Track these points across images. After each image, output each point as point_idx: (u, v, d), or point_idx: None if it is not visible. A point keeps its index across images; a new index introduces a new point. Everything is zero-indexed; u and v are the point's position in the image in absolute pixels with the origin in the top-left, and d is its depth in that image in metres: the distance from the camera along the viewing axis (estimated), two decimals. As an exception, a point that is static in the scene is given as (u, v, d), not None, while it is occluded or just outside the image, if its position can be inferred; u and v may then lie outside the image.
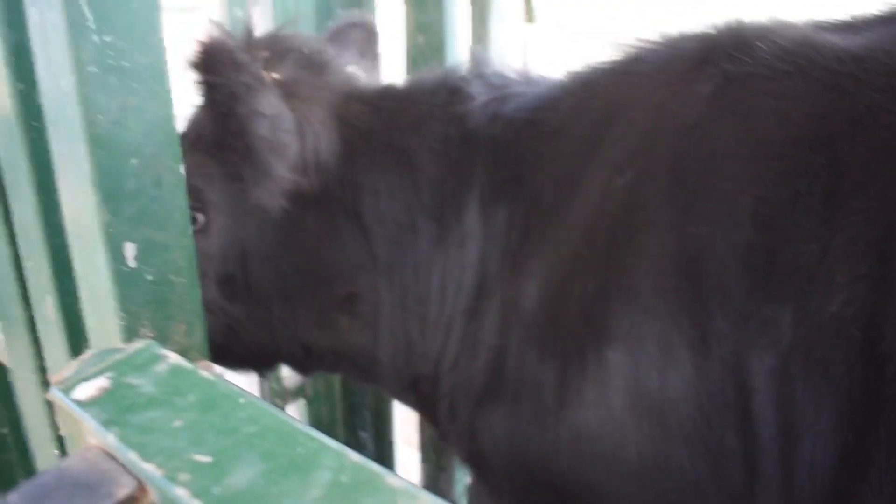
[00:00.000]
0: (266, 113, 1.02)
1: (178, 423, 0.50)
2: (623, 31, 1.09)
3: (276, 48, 1.14)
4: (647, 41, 1.02)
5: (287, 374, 2.34)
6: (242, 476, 0.44)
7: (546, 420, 0.96)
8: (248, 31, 1.14)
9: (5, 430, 1.30)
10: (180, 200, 0.71)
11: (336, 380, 2.30)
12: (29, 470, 1.29)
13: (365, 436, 2.45)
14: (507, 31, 1.80)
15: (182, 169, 0.71)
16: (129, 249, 0.69)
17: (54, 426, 0.98)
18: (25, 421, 1.05)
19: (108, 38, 0.62)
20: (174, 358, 0.59)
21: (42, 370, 0.93)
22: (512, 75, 1.18)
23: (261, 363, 1.33)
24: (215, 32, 1.00)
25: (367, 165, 1.13)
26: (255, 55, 1.10)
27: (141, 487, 0.47)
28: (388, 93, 1.23)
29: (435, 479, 2.23)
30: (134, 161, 0.67)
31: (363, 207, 1.14)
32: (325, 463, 0.45)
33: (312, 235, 1.15)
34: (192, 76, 1.01)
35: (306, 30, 1.81)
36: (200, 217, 1.13)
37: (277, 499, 0.42)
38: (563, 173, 1.03)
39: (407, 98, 1.21)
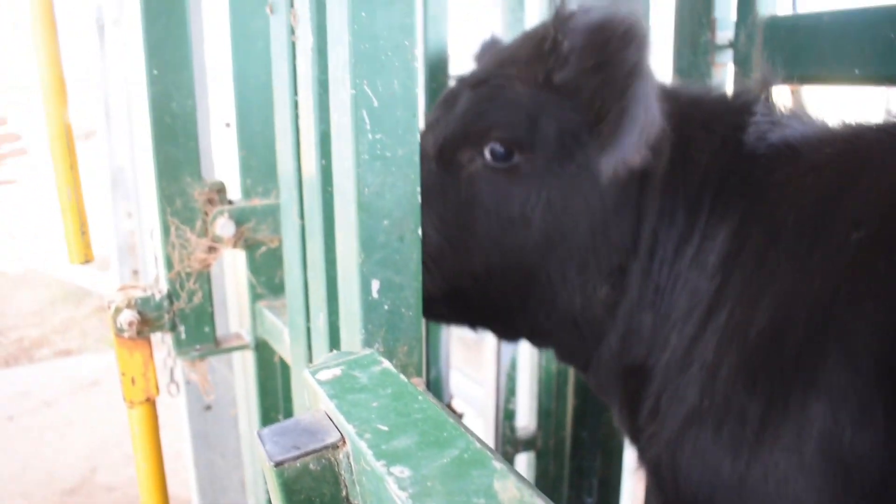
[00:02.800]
0: (649, 97, 1.17)
1: (374, 404, 0.73)
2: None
3: None
4: None
5: (522, 426, 2.53)
6: (402, 442, 0.66)
7: (741, 452, 1.00)
8: None
9: (280, 418, 1.65)
10: (415, 253, 0.95)
11: (567, 437, 2.44)
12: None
13: (590, 502, 2.54)
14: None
15: (419, 231, 0.95)
16: (375, 285, 0.94)
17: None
18: (296, 411, 1.36)
19: (378, 136, 0.88)
20: (386, 364, 0.83)
21: (310, 368, 1.23)
22: (793, 111, 1.25)
23: (498, 317, 1.40)
24: (629, 20, 1.18)
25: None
26: None
27: (342, 439, 0.70)
28: (684, 90, 1.35)
29: (651, 559, 2.25)
30: (385, 222, 0.92)
31: (645, 191, 1.24)
32: (458, 444, 0.65)
33: (610, 204, 1.25)
34: (598, 43, 1.19)
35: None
36: (517, 155, 1.24)
37: (418, 459, 0.63)
38: (808, 212, 1.07)
39: (701, 97, 1.33)
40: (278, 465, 0.68)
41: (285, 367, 1.60)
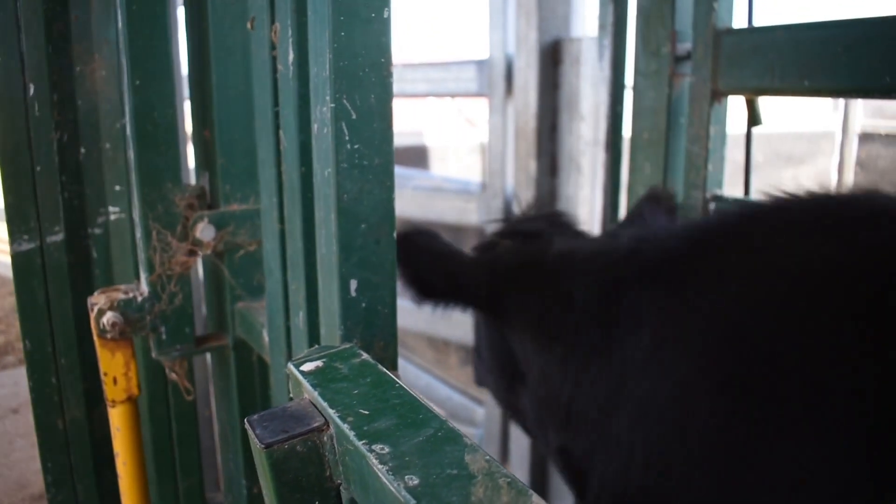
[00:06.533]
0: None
1: (355, 392, 0.80)
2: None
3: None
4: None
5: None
6: (382, 424, 0.73)
7: None
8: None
9: (261, 415, 1.70)
10: (390, 255, 1.02)
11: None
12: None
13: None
14: (726, 131, 1.98)
15: (394, 234, 1.02)
16: (353, 284, 1.01)
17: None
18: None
19: (356, 146, 0.95)
20: (365, 357, 0.89)
21: (290, 365, 1.29)
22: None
23: None
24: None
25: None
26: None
27: (326, 423, 0.77)
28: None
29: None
30: (363, 226, 0.99)
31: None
32: (433, 425, 0.72)
33: None
34: None
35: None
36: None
37: (397, 437, 0.70)
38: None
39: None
40: (268, 447, 0.75)
41: (262, 366, 1.66)
